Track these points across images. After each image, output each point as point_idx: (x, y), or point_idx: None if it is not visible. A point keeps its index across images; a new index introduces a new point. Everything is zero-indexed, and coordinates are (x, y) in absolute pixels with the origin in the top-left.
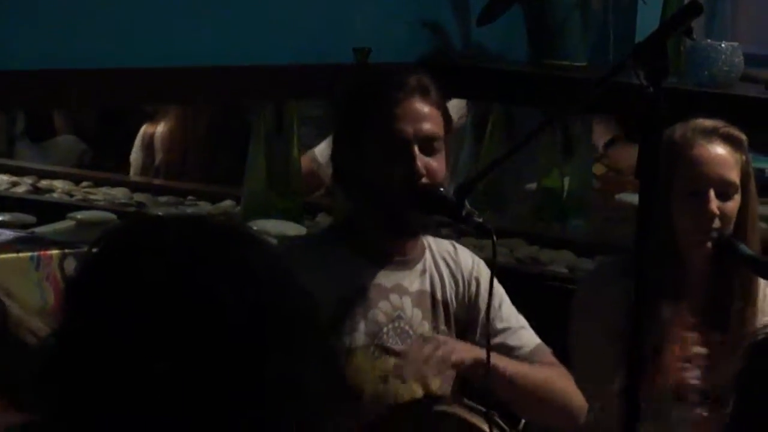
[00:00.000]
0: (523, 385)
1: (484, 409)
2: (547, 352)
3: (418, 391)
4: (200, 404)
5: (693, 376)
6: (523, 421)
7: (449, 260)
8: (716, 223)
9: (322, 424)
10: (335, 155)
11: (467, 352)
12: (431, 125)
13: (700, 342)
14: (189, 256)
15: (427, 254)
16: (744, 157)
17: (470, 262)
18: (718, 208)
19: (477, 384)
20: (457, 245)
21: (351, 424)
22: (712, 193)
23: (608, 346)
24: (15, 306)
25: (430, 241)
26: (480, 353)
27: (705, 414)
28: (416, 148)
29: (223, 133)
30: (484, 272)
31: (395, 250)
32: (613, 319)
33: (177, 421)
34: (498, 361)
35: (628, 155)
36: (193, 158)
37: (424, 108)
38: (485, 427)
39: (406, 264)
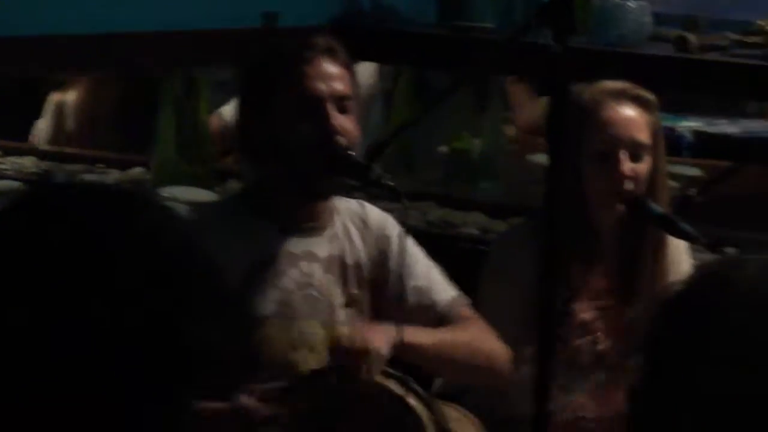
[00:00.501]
0: (446, 354)
1: (399, 374)
2: (463, 305)
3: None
4: (103, 371)
5: (601, 341)
6: (436, 383)
7: (357, 221)
8: (628, 185)
9: (229, 391)
10: (242, 120)
11: (385, 343)
12: (342, 85)
13: (610, 305)
14: (91, 222)
15: (336, 218)
16: (654, 119)
17: (378, 220)
18: (630, 170)
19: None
20: (365, 204)
21: (260, 392)
22: (623, 154)
23: (519, 310)
24: None
25: (338, 203)
26: (395, 336)
27: (603, 380)
28: (330, 107)
29: (135, 102)
30: (392, 229)
31: (304, 216)
32: (524, 283)
33: (77, 390)
34: (417, 337)
35: (529, 109)
36: (105, 127)
37: (334, 68)
38: (401, 392)
39: (316, 230)
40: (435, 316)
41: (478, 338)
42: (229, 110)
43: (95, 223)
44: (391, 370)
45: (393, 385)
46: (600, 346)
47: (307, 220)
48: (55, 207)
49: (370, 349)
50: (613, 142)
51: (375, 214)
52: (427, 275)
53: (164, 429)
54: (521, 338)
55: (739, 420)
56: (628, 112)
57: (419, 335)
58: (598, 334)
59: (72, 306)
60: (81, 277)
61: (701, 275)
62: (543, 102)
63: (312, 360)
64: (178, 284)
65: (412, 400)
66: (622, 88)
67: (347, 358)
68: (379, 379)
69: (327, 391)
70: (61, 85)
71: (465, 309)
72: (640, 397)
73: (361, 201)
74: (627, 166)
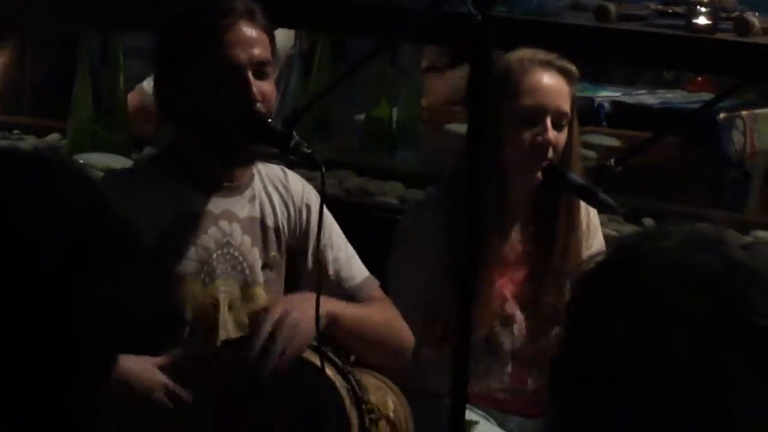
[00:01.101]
0: (361, 329)
1: (315, 344)
2: (375, 286)
3: (246, 320)
4: (16, 339)
5: (514, 312)
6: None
7: (280, 186)
8: (550, 152)
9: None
10: (160, 87)
11: (309, 317)
12: (261, 49)
13: (524, 277)
14: (3, 186)
15: (257, 180)
16: (573, 91)
17: (300, 188)
18: (554, 137)
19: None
20: (288, 170)
21: (179, 352)
22: (549, 121)
23: (429, 282)
24: None
25: (260, 167)
26: (330, 309)
27: (520, 362)
28: (250, 74)
29: (64, 70)
30: (314, 199)
31: (223, 177)
32: (433, 255)
33: None
34: (339, 308)
35: (439, 87)
36: (32, 93)
37: (253, 32)
38: (317, 361)
39: (235, 190)
40: (349, 291)
41: (389, 318)
42: (149, 84)
43: (7, 188)
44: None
45: (308, 354)
46: (515, 319)
47: (227, 180)
48: None
49: (296, 327)
50: (540, 109)
51: (297, 181)
52: (346, 249)
53: (83, 390)
54: (432, 310)
55: (656, 394)
56: (555, 81)
57: (341, 306)
58: (513, 306)
59: None
60: None
61: (622, 247)
62: (451, 75)
63: (230, 319)
64: (92, 247)
65: (327, 370)
66: (549, 57)
67: (270, 334)
68: None
69: (240, 361)
70: None
71: (377, 290)
72: (559, 370)
73: (283, 167)
74: (552, 134)
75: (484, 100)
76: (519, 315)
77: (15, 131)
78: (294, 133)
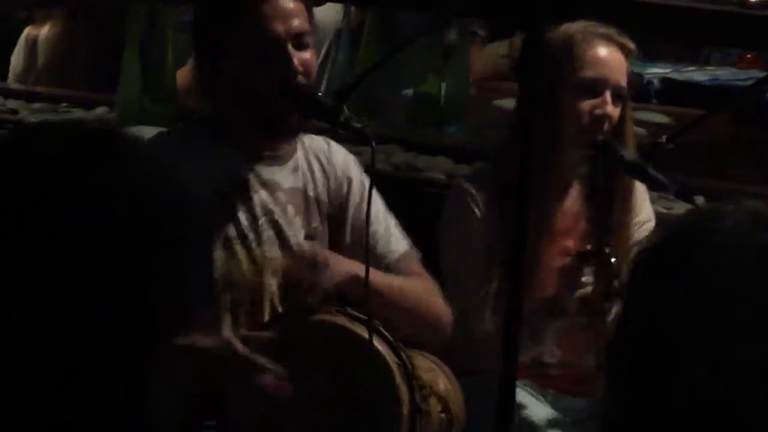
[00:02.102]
0: (395, 299)
1: (366, 319)
2: (415, 259)
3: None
4: (85, 309)
5: (568, 287)
6: None
7: (322, 157)
8: (606, 126)
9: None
10: (200, 61)
11: (343, 271)
12: (300, 20)
13: (573, 249)
14: (71, 162)
15: (300, 151)
16: (629, 67)
17: (342, 159)
18: (612, 111)
19: (351, 297)
20: (331, 142)
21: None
22: (608, 94)
23: (476, 257)
24: None
25: (303, 137)
26: (354, 269)
27: (575, 327)
28: (289, 46)
29: (114, 44)
30: (355, 171)
31: (269, 147)
32: (482, 228)
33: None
34: (372, 275)
35: (477, 60)
36: (78, 65)
37: (290, 3)
38: (368, 336)
39: (279, 159)
40: (388, 264)
41: (426, 292)
42: None
43: (75, 163)
44: (358, 314)
45: (360, 330)
46: (566, 293)
47: (271, 150)
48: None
49: (322, 261)
50: (602, 81)
51: (340, 153)
52: (386, 222)
53: (150, 364)
54: (483, 285)
55: (718, 372)
56: (616, 55)
57: (376, 274)
58: (565, 279)
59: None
60: (66, 218)
61: (679, 227)
62: (486, 51)
63: (275, 284)
64: (161, 220)
65: (378, 345)
66: (609, 31)
67: (300, 269)
68: (347, 323)
69: (292, 336)
70: (35, 20)
71: (416, 263)
72: (617, 350)
73: (327, 138)
74: (610, 107)
75: (536, 71)
76: (568, 296)
77: (63, 104)
78: (344, 107)
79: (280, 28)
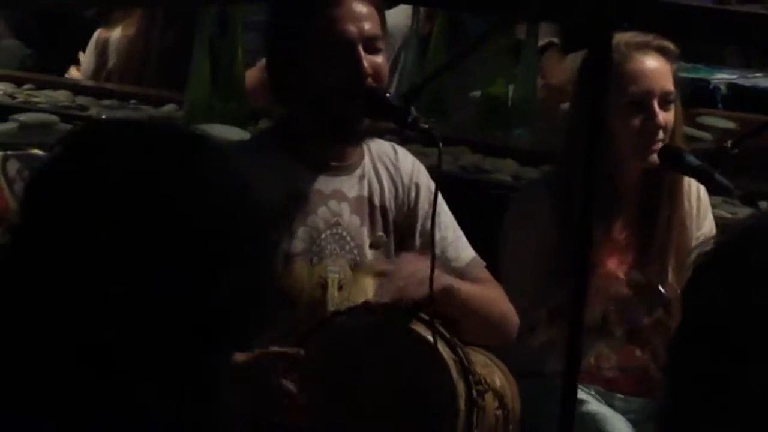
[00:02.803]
0: (472, 305)
1: (425, 317)
2: (481, 266)
3: (359, 299)
4: (157, 308)
5: (623, 292)
6: None
7: (389, 164)
8: (660, 135)
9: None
10: (273, 63)
11: (438, 281)
12: (372, 24)
13: (630, 257)
14: (147, 161)
15: (366, 159)
16: (674, 67)
17: (410, 166)
18: (663, 120)
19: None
20: (398, 148)
21: (287, 331)
22: (656, 104)
23: (537, 264)
24: None
25: (370, 144)
26: (446, 281)
27: (635, 331)
28: (360, 48)
29: (183, 40)
30: (423, 177)
31: (334, 156)
32: (542, 237)
33: (133, 324)
34: (451, 281)
35: (558, 69)
36: (153, 65)
37: (362, 8)
38: (427, 334)
39: (345, 169)
40: (456, 270)
41: (498, 299)
42: None
43: (152, 162)
44: (416, 312)
45: (416, 326)
46: (623, 301)
47: (338, 160)
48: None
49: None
50: (646, 94)
51: (407, 159)
52: (454, 230)
53: (214, 368)
54: (544, 290)
55: None
56: (656, 62)
57: (456, 281)
58: (622, 288)
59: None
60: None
61: (740, 230)
62: (568, 61)
63: (338, 299)
64: (236, 225)
65: (431, 337)
66: (645, 39)
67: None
68: (404, 320)
69: (352, 330)
70: (106, 22)
71: (483, 270)
72: (678, 352)
73: (394, 144)
74: (661, 116)
75: (602, 80)
76: (628, 294)
77: (132, 101)
78: (412, 108)
79: (352, 30)
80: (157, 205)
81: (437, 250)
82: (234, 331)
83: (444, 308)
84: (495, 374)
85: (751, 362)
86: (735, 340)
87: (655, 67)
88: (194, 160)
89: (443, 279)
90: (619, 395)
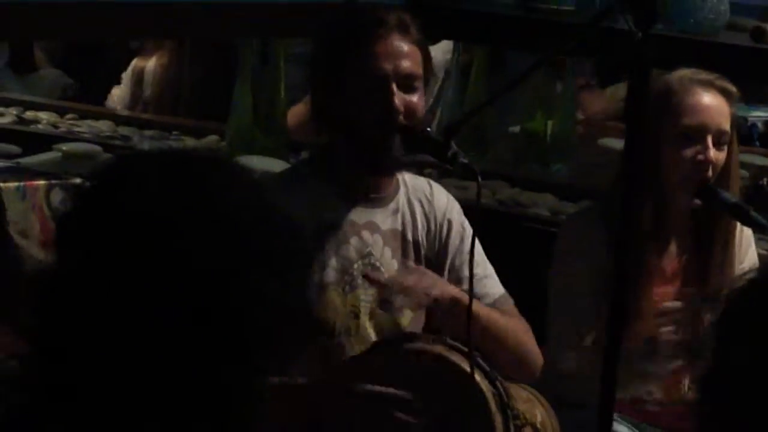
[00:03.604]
0: (491, 331)
1: (465, 349)
2: (509, 303)
3: (390, 328)
4: (185, 335)
5: (668, 329)
6: None
7: (423, 200)
8: (710, 171)
9: (296, 358)
10: (315, 92)
11: (447, 290)
12: (410, 63)
13: (677, 293)
14: (174, 193)
15: (401, 192)
16: (733, 110)
17: (444, 202)
18: (714, 156)
19: (446, 325)
20: (434, 184)
21: (321, 360)
22: (710, 140)
23: (587, 293)
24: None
25: (406, 178)
26: (458, 292)
27: (677, 367)
28: (394, 86)
29: (220, 73)
30: (456, 214)
31: (369, 188)
32: (593, 266)
33: (160, 348)
34: (475, 306)
35: (597, 102)
36: (189, 95)
37: (403, 46)
38: (466, 366)
39: (380, 201)
40: (485, 305)
41: (521, 331)
42: None
43: (178, 193)
44: (455, 343)
45: (456, 358)
46: (670, 334)
47: (373, 191)
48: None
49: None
50: (702, 128)
51: (442, 195)
52: (484, 266)
53: (243, 393)
54: (591, 320)
55: None
56: (716, 100)
57: (476, 303)
58: (669, 321)
59: (156, 269)
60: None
61: None
62: (608, 92)
63: (371, 327)
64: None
65: (475, 374)
66: (709, 77)
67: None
68: (444, 351)
69: (397, 360)
70: (135, 51)
71: (512, 306)
72: (710, 385)
73: (430, 180)
74: (713, 152)
75: (642, 116)
76: (668, 338)
77: (174, 132)
78: (452, 142)
79: (387, 67)
80: (181, 236)
81: (464, 286)
82: (268, 353)
83: (450, 320)
84: (536, 409)
85: None
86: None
87: (714, 104)
88: (216, 187)
89: (451, 289)
90: (659, 430)
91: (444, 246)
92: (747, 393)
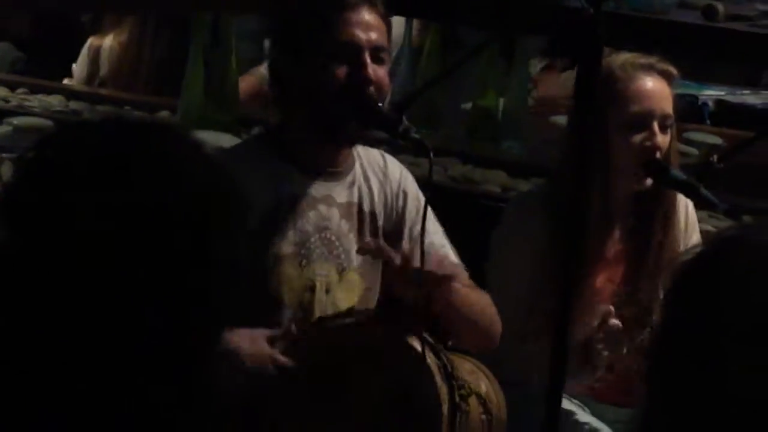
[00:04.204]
0: (461, 307)
1: (409, 323)
2: (465, 275)
3: (345, 303)
4: (138, 291)
5: (608, 311)
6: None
7: (378, 172)
8: (657, 156)
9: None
10: (275, 62)
11: (444, 266)
12: (379, 35)
13: (618, 276)
14: (120, 159)
15: (357, 165)
16: (673, 91)
17: (399, 174)
18: (662, 141)
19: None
20: (386, 155)
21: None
22: (656, 126)
23: (530, 275)
24: None
25: (360, 150)
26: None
27: (618, 348)
28: (367, 55)
29: (181, 53)
30: (411, 185)
31: (326, 161)
32: (535, 249)
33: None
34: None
35: (552, 85)
36: (148, 74)
37: (372, 18)
38: (411, 340)
39: (336, 175)
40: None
41: (487, 304)
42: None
43: (125, 160)
44: (398, 317)
45: (401, 332)
46: (614, 316)
47: (329, 165)
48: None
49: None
50: (648, 114)
51: (396, 167)
52: (440, 236)
53: (190, 351)
54: (531, 304)
55: (757, 384)
56: (659, 84)
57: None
58: (612, 303)
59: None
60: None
61: (721, 240)
62: (563, 78)
63: (327, 302)
64: (209, 203)
65: (420, 347)
66: (649, 61)
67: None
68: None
69: (341, 334)
70: (98, 30)
71: (466, 277)
72: (656, 359)
73: (383, 152)
74: (660, 137)
75: (591, 97)
76: (616, 312)
77: (126, 107)
78: (404, 118)
79: (361, 36)
80: (129, 193)
81: (426, 255)
82: (214, 313)
83: (439, 297)
84: (481, 380)
85: (729, 372)
86: (714, 350)
87: (658, 88)
88: (165, 152)
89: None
90: (606, 405)
91: (401, 217)
92: (694, 363)
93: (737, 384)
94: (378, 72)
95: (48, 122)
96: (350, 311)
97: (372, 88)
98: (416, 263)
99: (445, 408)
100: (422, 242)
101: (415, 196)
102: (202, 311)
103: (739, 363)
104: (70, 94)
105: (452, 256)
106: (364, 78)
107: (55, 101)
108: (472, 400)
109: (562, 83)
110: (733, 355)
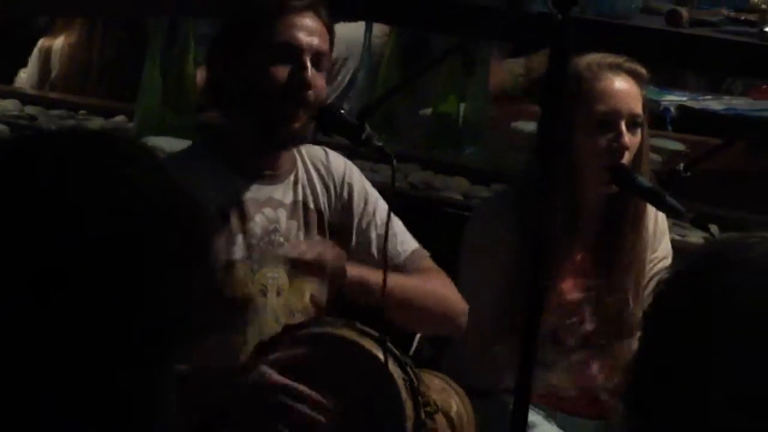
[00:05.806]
0: (411, 299)
1: (376, 334)
2: (425, 257)
3: (297, 305)
4: (75, 312)
5: (572, 321)
6: (414, 346)
7: (321, 167)
8: (625, 157)
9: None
10: (216, 65)
11: (355, 272)
12: (321, 41)
13: (583, 284)
14: (65, 172)
15: (299, 164)
16: (644, 92)
17: (342, 167)
18: (629, 141)
19: (353, 297)
20: (329, 151)
21: (228, 338)
22: (623, 125)
23: (497, 283)
24: None
25: (301, 149)
26: (365, 273)
27: (582, 357)
28: (307, 59)
29: (131, 54)
30: (356, 177)
31: (267, 164)
32: (503, 256)
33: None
34: (361, 272)
35: (495, 74)
36: (98, 76)
37: (314, 23)
38: (377, 351)
39: (278, 177)
40: (398, 264)
41: (441, 286)
42: None
43: (70, 172)
44: (366, 328)
45: (367, 344)
46: (581, 324)
47: (270, 168)
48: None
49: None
50: (614, 114)
51: (338, 161)
52: (392, 224)
53: (147, 375)
54: (501, 312)
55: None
56: (627, 84)
57: (365, 271)
58: (580, 310)
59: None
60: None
61: (704, 257)
62: (505, 66)
63: (279, 305)
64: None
65: (381, 355)
66: (617, 60)
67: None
68: (355, 337)
69: (300, 347)
70: (48, 31)
71: (426, 261)
72: (637, 377)
73: (324, 148)
74: (627, 137)
75: (559, 101)
76: (584, 315)
77: (82, 111)
78: (366, 125)
79: (303, 39)
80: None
81: (373, 249)
82: (169, 340)
83: (361, 296)
84: (452, 399)
85: (713, 390)
86: (697, 371)
87: (625, 88)
88: (113, 165)
89: (362, 271)
90: (571, 417)
91: (347, 210)
92: (673, 384)
93: (721, 414)
94: (316, 78)
95: (3, 127)
96: (313, 320)
97: (311, 93)
98: (367, 259)
99: (409, 424)
100: (385, 252)
101: (362, 188)
102: (145, 333)
103: (723, 392)
104: (25, 98)
105: (406, 242)
106: (303, 80)
107: (10, 105)
108: (439, 417)
109: (508, 69)
110: (718, 384)
